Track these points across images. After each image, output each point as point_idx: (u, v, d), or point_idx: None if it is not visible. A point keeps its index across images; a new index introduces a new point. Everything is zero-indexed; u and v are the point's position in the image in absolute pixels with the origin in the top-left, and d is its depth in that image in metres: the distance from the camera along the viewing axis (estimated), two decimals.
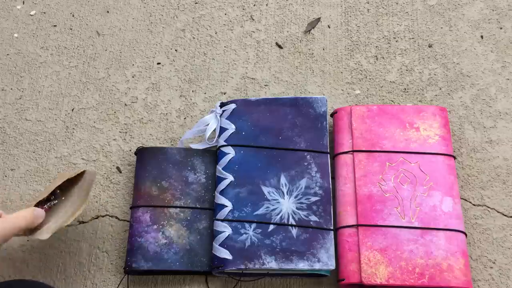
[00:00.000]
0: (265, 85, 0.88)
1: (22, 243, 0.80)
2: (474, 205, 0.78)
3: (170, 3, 0.97)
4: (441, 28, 0.90)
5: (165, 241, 0.74)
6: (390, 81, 0.87)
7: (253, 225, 0.73)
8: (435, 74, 0.87)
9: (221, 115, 0.81)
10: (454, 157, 0.77)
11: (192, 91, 0.89)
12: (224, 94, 0.88)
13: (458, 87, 0.86)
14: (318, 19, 0.93)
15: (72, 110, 0.89)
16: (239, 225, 0.73)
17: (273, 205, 0.74)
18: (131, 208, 0.77)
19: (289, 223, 0.73)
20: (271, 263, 0.71)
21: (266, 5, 0.95)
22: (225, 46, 0.92)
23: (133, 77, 0.91)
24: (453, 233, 0.71)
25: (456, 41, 0.89)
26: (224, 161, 0.77)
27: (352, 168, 0.76)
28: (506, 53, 0.87)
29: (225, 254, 0.71)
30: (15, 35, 0.96)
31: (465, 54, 0.88)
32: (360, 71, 0.88)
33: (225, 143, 0.78)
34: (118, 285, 0.76)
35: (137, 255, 0.73)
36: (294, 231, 0.72)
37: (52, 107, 0.89)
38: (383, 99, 0.86)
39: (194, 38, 0.93)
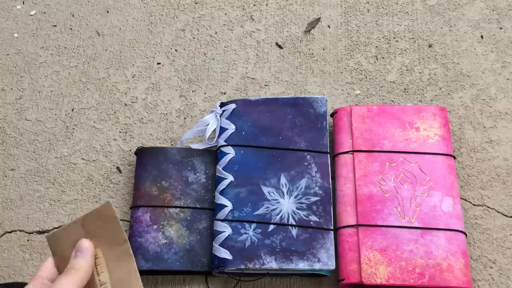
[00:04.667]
0: (265, 85, 0.88)
1: (22, 243, 0.80)
2: (474, 205, 0.78)
3: (170, 3, 0.97)
4: (441, 28, 0.90)
5: (165, 241, 0.74)
6: (390, 81, 0.87)
7: (253, 225, 0.73)
8: (435, 74, 0.87)
9: (221, 115, 0.81)
10: (454, 157, 0.77)
11: (192, 91, 0.89)
12: (224, 94, 0.88)
13: (458, 87, 0.86)
14: (318, 19, 0.93)
15: (72, 110, 0.89)
16: (239, 225, 0.73)
17: (273, 205, 0.74)
18: (131, 208, 0.77)
19: (289, 223, 0.73)
20: (271, 263, 0.71)
21: (266, 5, 0.95)
22: (225, 46, 0.92)
23: (133, 77, 0.91)
24: (453, 233, 0.71)
25: (456, 41, 0.89)
26: (224, 161, 0.77)
27: (352, 168, 0.76)
28: (506, 53, 0.87)
29: (225, 254, 0.71)
30: (15, 35, 0.96)
31: (465, 54, 0.88)
32: (360, 71, 0.88)
33: (225, 143, 0.78)
34: None
35: (137, 255, 0.73)
36: (294, 231, 0.72)
37: (52, 107, 0.89)
38: (383, 99, 0.86)
39: (194, 38, 0.93)
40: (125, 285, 0.49)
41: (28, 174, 0.85)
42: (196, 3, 0.97)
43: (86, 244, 0.47)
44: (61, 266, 0.48)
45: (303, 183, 0.75)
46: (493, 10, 0.91)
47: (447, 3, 0.92)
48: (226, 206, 0.74)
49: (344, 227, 0.73)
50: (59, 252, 0.48)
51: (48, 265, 0.49)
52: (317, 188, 0.74)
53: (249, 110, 0.80)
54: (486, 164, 0.80)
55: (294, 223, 0.73)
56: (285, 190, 0.75)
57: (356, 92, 0.87)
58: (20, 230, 0.81)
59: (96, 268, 0.47)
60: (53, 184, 0.84)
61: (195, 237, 0.75)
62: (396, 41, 0.90)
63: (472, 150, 0.81)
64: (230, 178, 0.76)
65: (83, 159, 0.85)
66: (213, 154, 0.80)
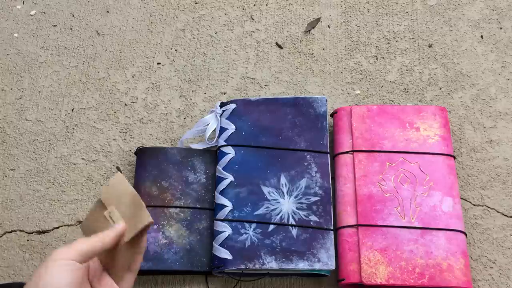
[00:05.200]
0: (265, 85, 0.88)
1: (22, 243, 0.80)
2: (474, 205, 0.78)
3: (170, 3, 0.97)
4: (441, 28, 0.90)
5: (165, 241, 0.74)
6: (390, 81, 0.87)
7: (253, 225, 0.73)
8: (435, 74, 0.87)
9: (221, 115, 0.81)
10: (454, 157, 0.77)
11: (192, 91, 0.89)
12: (224, 94, 0.88)
13: (458, 87, 0.86)
14: (318, 19, 0.93)
15: (72, 110, 0.89)
16: (239, 225, 0.73)
17: (273, 205, 0.74)
18: None
19: (289, 223, 0.73)
20: (271, 263, 0.71)
21: (266, 5, 0.95)
22: (225, 46, 0.92)
23: (133, 77, 0.91)
24: (453, 233, 0.71)
25: (456, 41, 0.89)
26: (224, 161, 0.77)
27: (352, 168, 0.76)
28: (506, 53, 0.88)
29: (225, 254, 0.71)
30: (15, 35, 0.96)
31: (465, 54, 0.88)
32: (360, 71, 0.88)
33: (225, 143, 0.78)
34: None
35: None
36: (294, 231, 0.72)
37: (52, 107, 0.89)
38: (383, 99, 0.86)
39: (194, 38, 0.93)
40: (135, 216, 0.57)
41: (28, 174, 0.85)
42: (196, 3, 0.97)
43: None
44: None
45: (303, 183, 0.75)
46: (493, 10, 0.91)
47: (447, 3, 0.92)
48: (226, 206, 0.74)
49: (344, 227, 0.73)
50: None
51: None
52: (317, 188, 0.74)
53: (249, 110, 0.80)
54: (486, 164, 0.80)
55: (294, 223, 0.73)
56: (285, 190, 0.75)
57: (356, 92, 0.87)
58: (20, 230, 0.81)
59: (111, 218, 0.56)
60: (53, 184, 0.84)
61: (195, 237, 0.75)
62: (396, 41, 0.90)
63: (472, 150, 0.81)
64: (230, 178, 0.76)
65: (83, 159, 0.85)
66: (213, 154, 0.80)
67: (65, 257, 0.47)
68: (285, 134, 0.78)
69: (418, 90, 0.86)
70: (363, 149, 0.77)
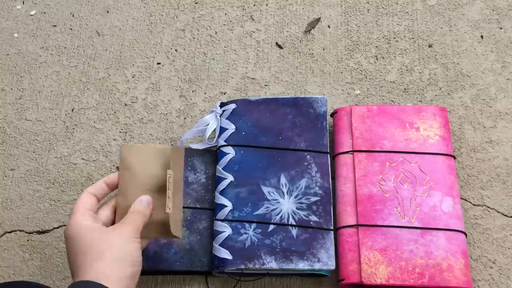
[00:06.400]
0: (265, 85, 0.88)
1: (22, 243, 0.80)
2: (474, 205, 0.78)
3: (170, 3, 0.97)
4: (441, 28, 0.90)
5: (165, 241, 0.74)
6: (390, 81, 0.87)
7: (253, 225, 0.73)
8: (435, 74, 0.87)
9: (221, 115, 0.81)
10: (454, 157, 0.77)
11: (192, 91, 0.89)
12: (224, 94, 0.88)
13: (458, 87, 0.86)
14: (318, 19, 0.93)
15: (72, 110, 0.89)
16: (239, 225, 0.73)
17: (273, 205, 0.74)
18: None
19: (289, 223, 0.73)
20: (271, 263, 0.71)
21: (266, 5, 0.95)
22: (225, 46, 0.92)
23: (133, 77, 0.91)
24: (453, 233, 0.71)
25: (456, 41, 0.89)
26: (224, 161, 0.77)
27: (352, 168, 0.76)
28: (506, 53, 0.88)
29: (225, 254, 0.71)
30: (15, 35, 0.96)
31: (465, 54, 0.88)
32: (360, 71, 0.88)
33: (225, 143, 0.78)
34: None
35: None
36: (294, 231, 0.72)
37: (52, 107, 0.89)
38: (383, 99, 0.86)
39: (194, 38, 0.93)
40: (176, 202, 0.67)
41: (28, 174, 0.85)
42: (196, 3, 0.97)
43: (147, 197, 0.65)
44: (125, 176, 0.65)
45: (303, 183, 0.75)
46: (493, 10, 0.91)
47: (447, 3, 0.92)
48: (226, 206, 0.74)
49: (344, 227, 0.73)
50: (127, 162, 0.65)
51: (85, 199, 0.63)
52: (317, 188, 0.75)
53: (249, 110, 0.80)
54: (486, 164, 0.80)
55: (294, 223, 0.73)
56: (285, 190, 0.75)
57: (356, 92, 0.87)
58: (20, 230, 0.81)
59: (168, 185, 0.64)
60: (53, 184, 0.84)
61: (195, 237, 0.75)
62: (396, 41, 0.90)
63: (472, 150, 0.81)
64: (230, 178, 0.76)
65: (83, 159, 0.85)
66: (213, 154, 0.80)
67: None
68: (285, 134, 0.78)
69: (418, 90, 0.86)
70: (363, 149, 0.77)
